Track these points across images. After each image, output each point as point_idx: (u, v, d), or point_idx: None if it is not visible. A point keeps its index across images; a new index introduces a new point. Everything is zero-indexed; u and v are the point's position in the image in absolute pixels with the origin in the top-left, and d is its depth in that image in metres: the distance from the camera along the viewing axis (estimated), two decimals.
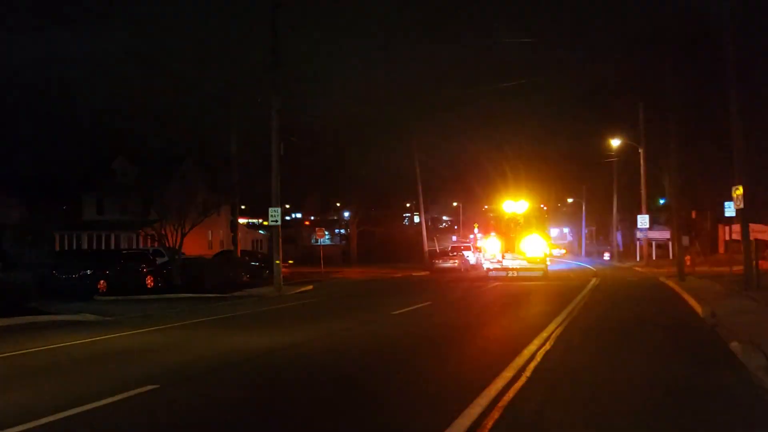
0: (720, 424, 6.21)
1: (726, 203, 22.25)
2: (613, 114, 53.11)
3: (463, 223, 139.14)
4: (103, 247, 42.91)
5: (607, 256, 59.03)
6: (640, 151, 40.64)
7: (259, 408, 7.13)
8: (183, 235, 27.70)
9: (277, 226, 26.53)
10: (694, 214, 32.90)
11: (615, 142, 47.23)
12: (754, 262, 19.12)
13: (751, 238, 18.62)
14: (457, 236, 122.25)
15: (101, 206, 46.62)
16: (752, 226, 18.45)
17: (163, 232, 28.04)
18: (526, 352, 9.88)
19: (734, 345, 10.22)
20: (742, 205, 19.22)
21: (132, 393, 7.70)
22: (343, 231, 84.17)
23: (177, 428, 6.48)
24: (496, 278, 31.39)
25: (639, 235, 43.46)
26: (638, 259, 46.95)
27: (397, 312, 16.64)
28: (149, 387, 8.02)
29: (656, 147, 39.00)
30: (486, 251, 41.92)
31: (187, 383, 8.49)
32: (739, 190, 19.04)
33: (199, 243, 45.21)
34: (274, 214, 25.90)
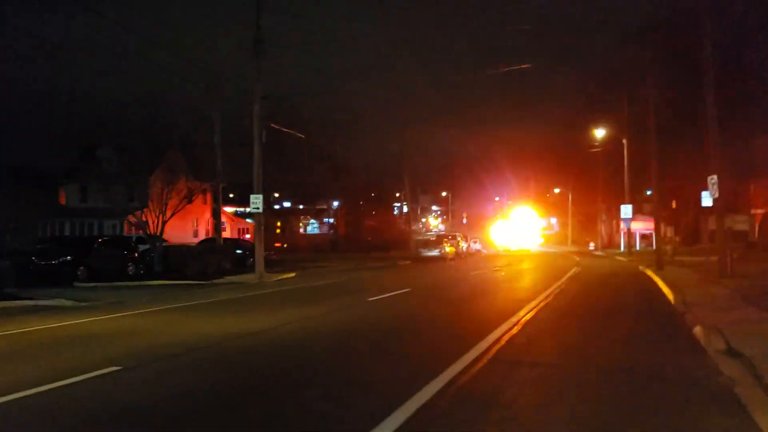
0: (668, 401, 6.29)
1: (703, 192, 22.37)
2: (600, 104, 53.36)
3: (452, 213, 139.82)
4: (87, 235, 42.81)
5: (592, 245, 59.37)
6: (624, 141, 40.78)
7: (212, 390, 7.15)
8: (164, 222, 27.69)
9: (259, 213, 26.50)
10: (674, 205, 33.06)
11: (599, 133, 47.38)
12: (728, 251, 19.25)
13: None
14: (447, 226, 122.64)
15: (85, 194, 46.54)
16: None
17: (144, 219, 28.02)
18: (492, 337, 9.94)
19: (697, 330, 10.35)
20: (717, 194, 19.35)
21: (92, 374, 7.74)
22: (332, 220, 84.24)
23: (130, 407, 6.49)
24: (476, 267, 31.57)
25: (622, 225, 43.68)
26: (622, 249, 47.21)
27: (373, 299, 16.72)
28: (111, 369, 8.08)
29: (642, 138, 39.19)
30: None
31: (148, 366, 8.50)
32: (714, 180, 19.16)
33: (185, 231, 45.21)
34: (256, 201, 25.87)
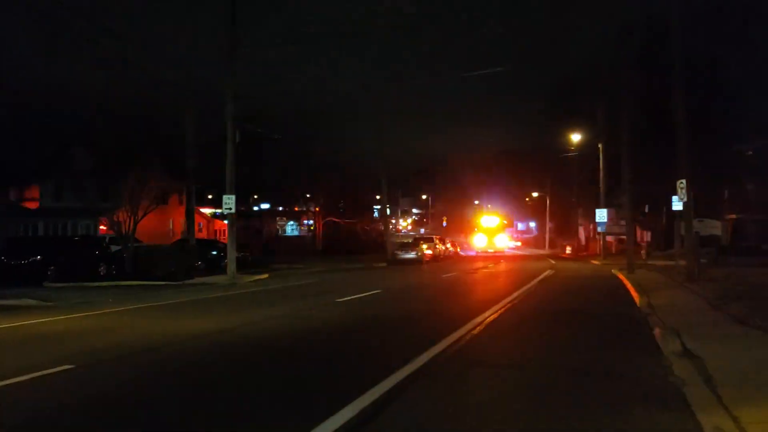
0: (616, 400, 6.29)
1: (673, 197, 22.56)
2: (578, 110, 53.74)
3: (432, 216, 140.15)
4: (60, 234, 42.41)
5: (569, 249, 59.70)
6: (600, 146, 41.05)
7: (162, 389, 7.09)
8: (136, 223, 27.47)
9: (232, 214, 26.38)
10: (646, 209, 33.33)
11: (576, 137, 47.68)
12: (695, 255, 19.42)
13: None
14: (426, 229, 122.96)
15: (59, 193, 46.09)
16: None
17: (116, 219, 27.78)
18: (452, 338, 9.93)
19: (657, 332, 10.43)
20: (686, 198, 19.51)
21: (44, 372, 7.69)
22: (311, 222, 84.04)
23: (79, 404, 6.45)
24: (451, 269, 31.65)
25: (598, 228, 43.97)
26: (598, 252, 47.50)
27: (342, 300, 16.68)
28: (65, 367, 8.02)
29: (618, 142, 39.49)
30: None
31: (103, 364, 8.44)
32: (683, 184, 19.32)
33: (160, 231, 44.85)
34: (229, 201, 25.75)
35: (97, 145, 39.21)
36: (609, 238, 47.74)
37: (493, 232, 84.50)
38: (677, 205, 22.32)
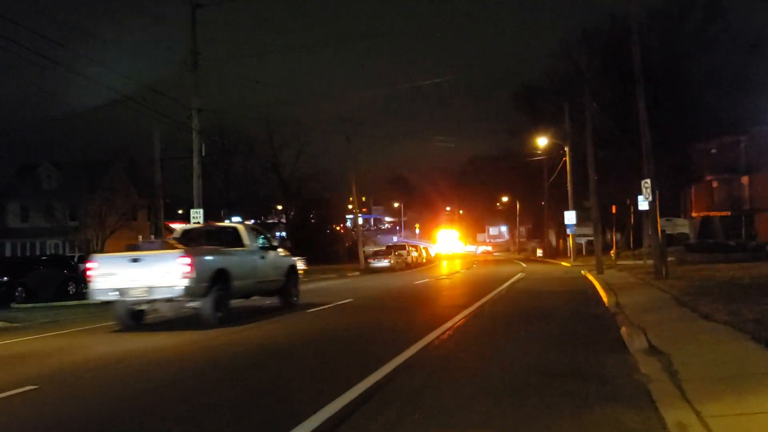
0: (580, 399, 6.33)
1: (639, 197, 22.86)
2: (544, 113, 54.29)
3: (405, 224, 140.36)
4: (28, 255, 41.84)
5: (540, 252, 60.14)
6: (566, 149, 41.45)
7: (125, 408, 7.01)
8: (104, 241, 27.23)
9: None
10: (614, 209, 33.72)
11: (542, 141, 48.09)
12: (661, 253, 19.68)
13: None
14: (399, 237, 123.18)
15: (26, 213, 45.41)
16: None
17: (84, 237, 27.54)
18: (421, 343, 9.95)
19: (623, 330, 10.54)
20: (651, 198, 19.78)
21: (8, 393, 7.60)
22: (283, 233, 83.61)
23: (41, 426, 6.38)
24: (423, 276, 31.73)
25: (568, 230, 44.36)
26: (568, 254, 47.88)
27: (312, 310, 16.56)
28: (28, 387, 7.92)
29: (583, 145, 39.91)
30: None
31: (67, 383, 8.35)
32: (647, 184, 19.60)
33: None
34: (197, 215, 25.62)
35: (63, 164, 38.74)
36: (579, 240, 48.19)
37: (450, 241, 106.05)
38: (643, 204, 22.63)
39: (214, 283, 13.43)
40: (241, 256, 15.37)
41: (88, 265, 14.24)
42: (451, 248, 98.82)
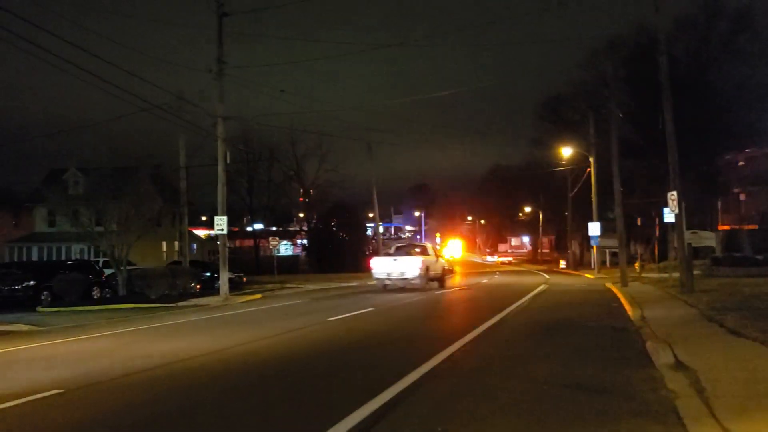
0: (606, 414, 6.26)
1: (664, 209, 22.63)
2: (569, 124, 53.99)
3: (426, 233, 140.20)
4: (55, 259, 42.35)
5: (563, 263, 59.71)
6: (591, 160, 41.19)
7: (151, 414, 7.03)
8: (129, 246, 27.43)
9: (224, 235, 26.34)
10: (639, 222, 33.41)
11: (566, 151, 47.82)
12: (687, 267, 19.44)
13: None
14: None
15: (53, 218, 46.00)
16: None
17: (109, 242, 27.77)
18: (446, 352, 9.92)
19: (649, 344, 10.40)
20: (677, 210, 19.57)
21: (33, 398, 7.66)
22: (304, 241, 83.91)
23: (66, 429, 6.42)
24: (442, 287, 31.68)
25: (592, 242, 44.01)
26: (592, 266, 47.52)
27: (334, 318, 16.60)
28: (53, 392, 7.98)
29: (609, 156, 39.64)
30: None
31: (92, 388, 8.38)
32: (674, 196, 19.39)
33: (154, 254, 44.78)
34: (220, 222, 25.74)
35: (90, 170, 39.12)
36: (603, 252, 47.80)
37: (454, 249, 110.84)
38: (669, 217, 22.38)
39: (426, 271, 28.15)
40: (430, 259, 29.72)
41: (371, 261, 30.95)
42: (453, 254, 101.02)
